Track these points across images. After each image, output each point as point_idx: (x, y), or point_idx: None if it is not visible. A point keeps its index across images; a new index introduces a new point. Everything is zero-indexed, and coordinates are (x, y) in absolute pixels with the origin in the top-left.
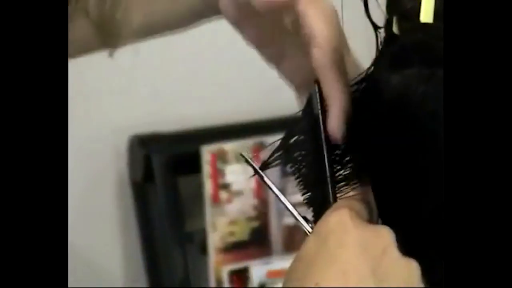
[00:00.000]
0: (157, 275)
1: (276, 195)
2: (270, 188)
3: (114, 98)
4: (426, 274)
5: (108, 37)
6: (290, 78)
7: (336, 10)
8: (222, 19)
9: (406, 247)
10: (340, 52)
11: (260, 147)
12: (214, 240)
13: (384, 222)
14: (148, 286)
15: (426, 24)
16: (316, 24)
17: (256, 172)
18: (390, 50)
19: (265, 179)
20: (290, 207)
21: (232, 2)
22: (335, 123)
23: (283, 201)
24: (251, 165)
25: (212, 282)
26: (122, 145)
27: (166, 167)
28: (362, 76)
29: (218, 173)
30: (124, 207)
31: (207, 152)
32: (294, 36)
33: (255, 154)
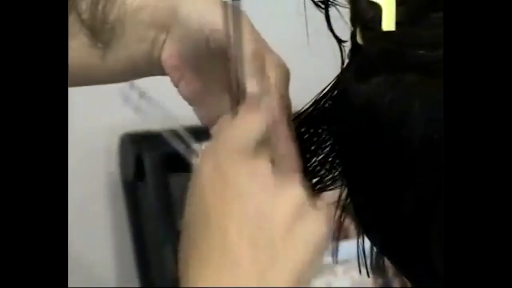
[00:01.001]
0: (149, 274)
1: None
2: None
3: (105, 97)
4: (407, 272)
5: (101, 39)
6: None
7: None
8: None
9: (386, 247)
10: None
11: None
12: None
13: (362, 225)
14: (139, 285)
15: (388, 32)
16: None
17: None
18: (355, 60)
19: None
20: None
21: (181, 50)
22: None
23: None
24: None
25: None
26: (113, 144)
27: (158, 166)
28: (330, 86)
29: None
30: (116, 206)
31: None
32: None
33: None
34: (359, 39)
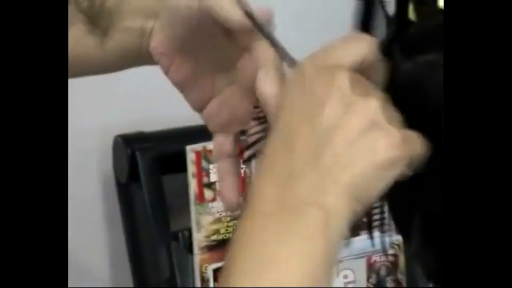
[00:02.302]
0: (143, 274)
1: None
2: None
3: (99, 97)
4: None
5: (98, 27)
6: (212, 121)
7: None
8: None
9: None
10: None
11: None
12: (199, 238)
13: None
14: (133, 286)
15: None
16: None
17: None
18: (404, 36)
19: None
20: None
21: (171, 34)
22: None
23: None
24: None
25: (198, 281)
26: (107, 144)
27: (151, 167)
28: None
29: (202, 172)
30: (109, 207)
31: (191, 151)
32: (226, 74)
33: (239, 151)
34: (412, 15)
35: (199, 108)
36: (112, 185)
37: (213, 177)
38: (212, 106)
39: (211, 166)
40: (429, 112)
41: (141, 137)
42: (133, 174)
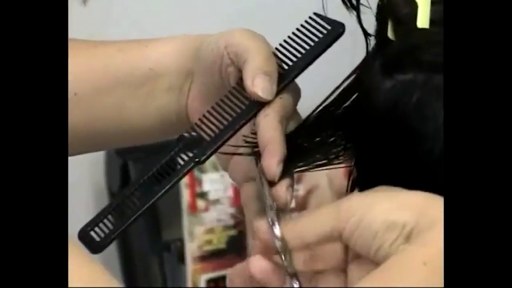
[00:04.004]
0: (135, 284)
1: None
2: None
3: None
4: None
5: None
6: (236, 174)
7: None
8: None
9: None
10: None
11: None
12: (192, 249)
13: None
14: None
15: (422, 29)
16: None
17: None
18: (383, 55)
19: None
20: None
21: (203, 90)
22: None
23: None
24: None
25: None
26: (99, 154)
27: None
28: (349, 81)
29: (195, 182)
30: None
31: None
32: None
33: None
34: (390, 34)
35: (225, 166)
36: (104, 195)
37: (206, 187)
38: (234, 162)
39: (203, 176)
40: (406, 131)
41: (133, 147)
42: (125, 184)
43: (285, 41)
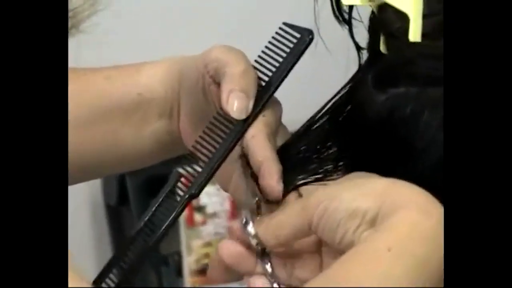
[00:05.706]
0: None
1: None
2: None
3: None
4: None
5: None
6: (238, 195)
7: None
8: None
9: None
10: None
11: None
12: (189, 262)
13: None
14: None
15: (414, 43)
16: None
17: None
18: (375, 68)
19: None
20: None
21: (188, 111)
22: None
23: None
24: None
25: None
26: None
27: (141, 190)
28: (342, 94)
29: None
30: (99, 230)
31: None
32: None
33: None
34: (382, 48)
35: (225, 187)
36: (101, 209)
37: (203, 201)
38: (234, 181)
39: None
40: (399, 143)
41: None
42: (122, 198)
43: (261, 54)
